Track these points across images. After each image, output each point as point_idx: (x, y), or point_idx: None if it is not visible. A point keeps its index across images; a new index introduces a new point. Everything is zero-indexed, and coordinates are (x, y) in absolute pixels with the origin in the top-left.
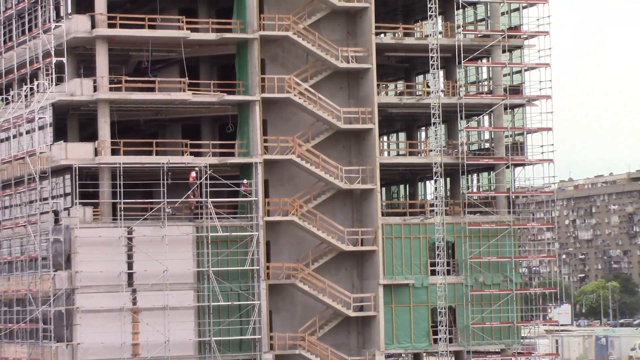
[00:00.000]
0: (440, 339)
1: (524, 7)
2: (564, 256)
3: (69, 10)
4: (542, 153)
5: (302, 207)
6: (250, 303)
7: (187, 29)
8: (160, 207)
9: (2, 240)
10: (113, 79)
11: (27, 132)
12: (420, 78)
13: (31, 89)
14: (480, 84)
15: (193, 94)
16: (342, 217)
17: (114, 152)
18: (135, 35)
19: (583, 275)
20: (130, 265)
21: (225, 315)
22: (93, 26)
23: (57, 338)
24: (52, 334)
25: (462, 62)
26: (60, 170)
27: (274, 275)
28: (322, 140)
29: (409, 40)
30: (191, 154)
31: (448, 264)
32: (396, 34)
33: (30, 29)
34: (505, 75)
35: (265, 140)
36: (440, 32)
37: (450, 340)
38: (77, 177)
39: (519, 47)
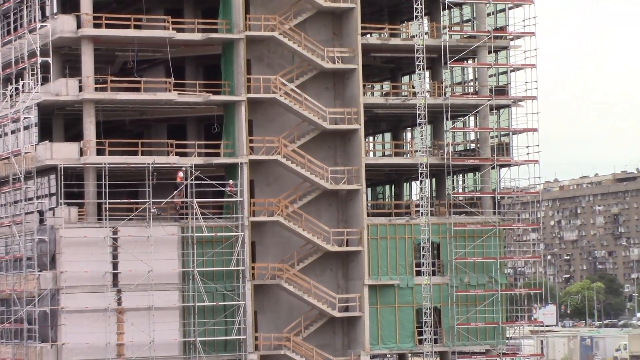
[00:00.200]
0: (425, 339)
1: (509, 8)
2: (549, 257)
3: (55, 10)
4: (528, 154)
5: (287, 208)
6: (235, 303)
7: (173, 29)
8: (145, 208)
9: None
10: (98, 79)
11: (12, 132)
12: (406, 78)
13: (16, 88)
14: (466, 84)
15: (179, 94)
16: (328, 217)
17: (100, 152)
18: (120, 35)
19: (568, 276)
20: (115, 266)
21: (210, 316)
22: (79, 26)
23: (42, 338)
24: (36, 334)
25: (448, 62)
26: (45, 170)
27: (259, 276)
28: (307, 141)
29: (394, 41)
30: (177, 154)
31: (433, 265)
32: (382, 35)
33: (15, 29)
34: (491, 76)
35: (251, 141)
36: (426, 33)
37: (436, 341)
38: (62, 177)
39: (505, 48)
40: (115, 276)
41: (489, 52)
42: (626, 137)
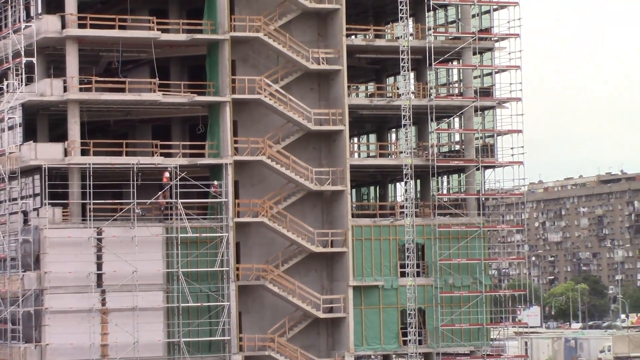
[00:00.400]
0: (409, 340)
1: (494, 10)
2: (533, 258)
3: (39, 10)
4: (512, 155)
5: (272, 209)
6: (219, 304)
7: (158, 29)
8: (129, 208)
9: None
10: (83, 80)
11: None
12: (390, 80)
13: (0, 89)
14: (450, 86)
15: (163, 94)
16: (312, 218)
17: (84, 152)
18: (105, 36)
19: (552, 277)
20: (99, 266)
21: (194, 317)
22: (63, 26)
23: (26, 339)
24: (20, 334)
25: (433, 64)
26: (29, 171)
27: (244, 277)
28: (292, 142)
29: (379, 42)
30: (161, 154)
31: (418, 266)
32: (367, 36)
33: (0, 29)
34: (475, 77)
35: (236, 142)
36: (411, 34)
37: (420, 342)
38: (46, 177)
39: (490, 49)
40: (99, 277)
41: (474, 54)
42: (611, 139)
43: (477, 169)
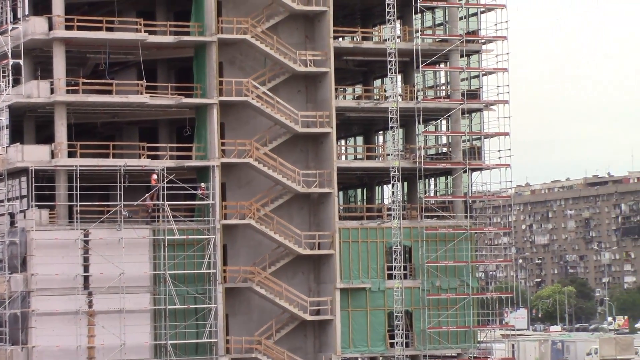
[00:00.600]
0: (396, 343)
1: (482, 12)
2: (520, 261)
3: (27, 12)
4: (500, 158)
5: (259, 211)
6: (206, 306)
7: (145, 31)
8: (116, 210)
9: None
10: (70, 81)
11: None
12: (378, 82)
13: None
14: (438, 88)
15: (150, 96)
16: (300, 220)
17: (71, 154)
18: (92, 38)
19: (539, 280)
20: (86, 268)
21: (181, 319)
22: (50, 28)
23: (12, 341)
24: (7, 336)
25: (420, 66)
26: (16, 173)
27: (231, 279)
28: (279, 144)
29: (367, 44)
30: (148, 157)
31: (405, 268)
32: (354, 38)
33: None
34: (463, 79)
35: (223, 144)
36: (399, 37)
37: (407, 345)
38: (33, 179)
39: (477, 51)
40: (86, 279)
41: (461, 56)
42: (598, 142)
43: (464, 172)
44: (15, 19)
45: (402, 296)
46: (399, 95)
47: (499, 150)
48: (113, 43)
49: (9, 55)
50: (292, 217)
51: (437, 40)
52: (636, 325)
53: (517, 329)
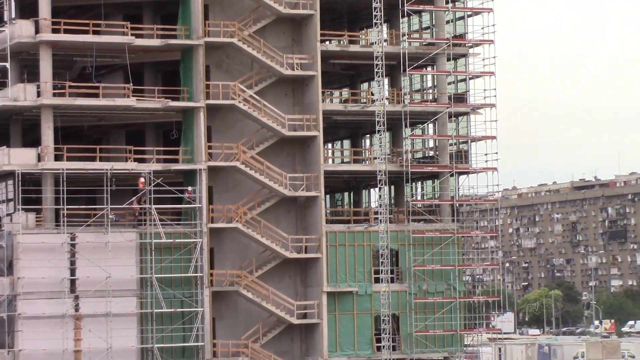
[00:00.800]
0: (383, 346)
1: (469, 16)
2: (507, 264)
3: (13, 15)
4: (486, 161)
5: (246, 214)
6: (193, 310)
7: (132, 34)
8: (103, 214)
9: None
10: (57, 85)
11: None
12: (365, 85)
13: None
14: (425, 92)
15: (137, 100)
16: (286, 224)
17: (57, 157)
18: (79, 41)
19: (526, 283)
20: (73, 272)
21: (168, 322)
22: (37, 31)
23: None
24: None
25: (407, 69)
26: (2, 176)
27: (218, 282)
28: (266, 147)
29: (354, 48)
30: (135, 160)
31: (392, 272)
32: (341, 42)
33: None
34: (449, 83)
35: (210, 147)
36: (385, 40)
37: (394, 348)
38: (19, 182)
39: (464, 55)
40: (72, 282)
41: (448, 60)
42: (584, 146)
43: (451, 175)
44: (2, 22)
45: (389, 300)
46: (386, 98)
47: (486, 154)
48: (100, 46)
49: None
50: (279, 221)
51: (424, 43)
52: (623, 329)
53: (504, 333)
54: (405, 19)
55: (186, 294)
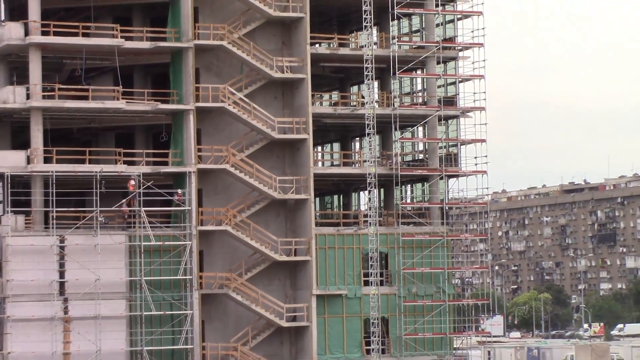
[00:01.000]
0: (372, 349)
1: (458, 19)
2: (496, 267)
3: (2, 17)
4: (476, 164)
5: (235, 217)
6: (182, 313)
7: (122, 37)
8: (93, 216)
9: None
10: (46, 87)
11: None
12: (354, 88)
13: None
14: (414, 95)
15: (127, 102)
16: (276, 227)
17: (47, 160)
18: (69, 43)
19: (515, 286)
20: (62, 274)
21: (157, 325)
22: (26, 33)
23: None
24: None
25: (397, 73)
26: None
27: (207, 285)
28: (256, 150)
29: (343, 51)
30: (124, 162)
31: (381, 275)
32: (331, 44)
33: None
34: (439, 86)
35: (199, 150)
36: (375, 43)
37: (383, 351)
38: (9, 185)
39: (454, 58)
40: (62, 285)
41: (438, 63)
42: (574, 149)
43: (441, 178)
44: None
45: (379, 303)
46: (376, 101)
47: (475, 157)
48: (89, 49)
49: None
50: (269, 224)
51: (413, 46)
52: (612, 332)
53: (493, 336)
54: (395, 22)
55: (175, 297)
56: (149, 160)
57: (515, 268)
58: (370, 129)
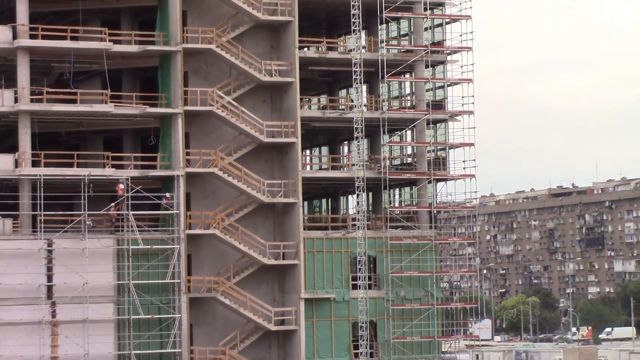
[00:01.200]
0: (361, 353)
1: (447, 23)
2: (484, 271)
3: None
4: (464, 168)
5: (223, 221)
6: (170, 316)
7: (110, 40)
8: (80, 220)
9: None
10: (34, 90)
11: None
12: (343, 92)
13: None
14: (403, 98)
15: (115, 106)
16: (264, 230)
17: (35, 163)
18: (57, 47)
19: (504, 290)
20: (50, 278)
21: (145, 329)
22: (14, 37)
23: None
24: None
25: (385, 76)
26: None
27: (195, 289)
28: (244, 154)
29: (332, 54)
30: (113, 166)
31: (369, 279)
32: (320, 48)
33: None
34: (428, 90)
35: (188, 153)
36: (364, 47)
37: (371, 355)
38: None
39: (442, 62)
40: (49, 288)
41: (426, 67)
42: (562, 153)
43: (429, 182)
44: None
45: (367, 306)
46: (364, 105)
47: (464, 161)
48: (77, 52)
49: None
50: (257, 227)
51: (402, 50)
52: (600, 336)
53: (482, 340)
54: (384, 26)
55: (163, 301)
56: (137, 164)
57: (504, 272)
58: (358, 132)
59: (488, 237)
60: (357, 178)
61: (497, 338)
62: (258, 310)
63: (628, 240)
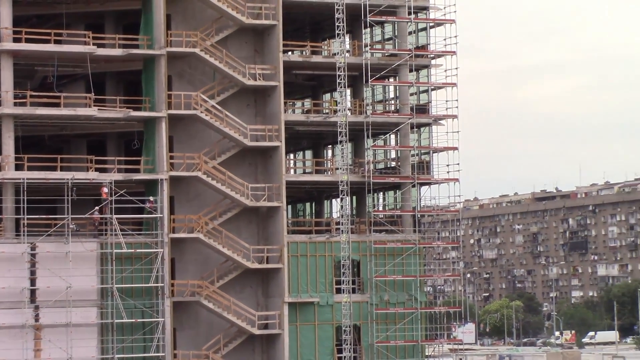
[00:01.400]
0: (344, 357)
1: (431, 27)
2: (468, 275)
3: None
4: (448, 172)
5: (207, 224)
6: (154, 320)
7: (94, 44)
8: (64, 223)
9: None
10: (18, 94)
11: None
12: (327, 96)
13: None
14: (387, 102)
15: (99, 109)
16: (248, 234)
17: (18, 167)
18: (40, 50)
19: (487, 294)
20: (33, 282)
21: (129, 333)
22: None
23: None
24: None
25: (369, 80)
26: None
27: (179, 293)
28: (228, 158)
29: (316, 58)
30: (96, 170)
31: (353, 283)
32: (304, 52)
33: None
34: (412, 94)
35: (171, 157)
36: (348, 51)
37: (355, 359)
38: None
39: (426, 66)
40: (33, 292)
41: (410, 71)
42: (546, 157)
43: (413, 186)
44: None
45: (351, 310)
46: (348, 109)
47: (448, 165)
48: (61, 56)
49: None
50: (241, 231)
51: (386, 54)
52: (583, 340)
53: (465, 344)
54: (368, 30)
55: (147, 304)
56: (120, 168)
57: (487, 276)
58: (342, 136)
59: (472, 241)
60: (341, 182)
61: (474, 341)
62: (242, 314)
63: (611, 245)
